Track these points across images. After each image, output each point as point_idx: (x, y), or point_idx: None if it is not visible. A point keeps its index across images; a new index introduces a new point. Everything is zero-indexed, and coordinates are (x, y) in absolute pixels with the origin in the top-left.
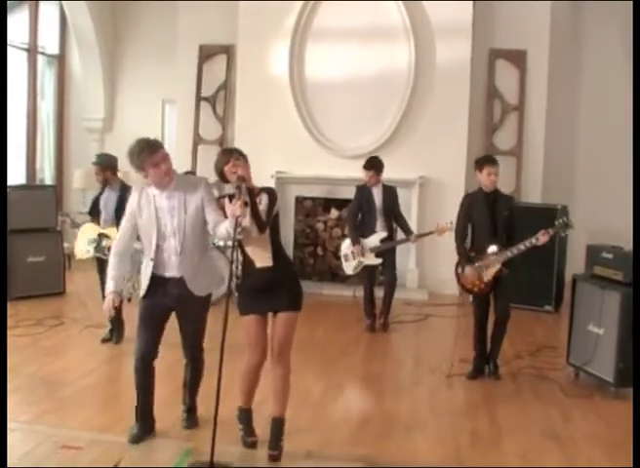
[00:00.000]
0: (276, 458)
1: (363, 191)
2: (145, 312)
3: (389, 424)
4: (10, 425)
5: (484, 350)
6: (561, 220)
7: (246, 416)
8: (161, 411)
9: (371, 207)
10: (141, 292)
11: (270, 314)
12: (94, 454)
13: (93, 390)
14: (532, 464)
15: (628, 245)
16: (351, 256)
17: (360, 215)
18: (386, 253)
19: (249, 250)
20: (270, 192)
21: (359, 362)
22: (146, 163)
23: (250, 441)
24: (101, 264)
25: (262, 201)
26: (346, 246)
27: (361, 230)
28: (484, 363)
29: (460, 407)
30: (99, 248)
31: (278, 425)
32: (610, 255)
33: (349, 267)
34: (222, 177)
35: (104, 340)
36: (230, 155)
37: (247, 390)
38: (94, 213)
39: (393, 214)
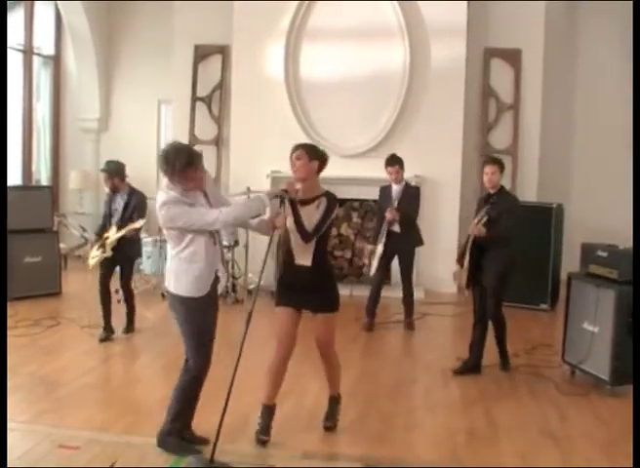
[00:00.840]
0: (330, 429)
1: (384, 191)
2: (210, 315)
3: (386, 423)
4: (8, 425)
5: (475, 346)
6: (485, 208)
7: (267, 413)
8: (158, 412)
9: (388, 205)
10: (201, 290)
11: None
12: (91, 454)
13: (91, 389)
14: (528, 462)
15: (623, 243)
16: (374, 258)
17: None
18: (402, 252)
19: (293, 243)
20: (330, 199)
21: (356, 361)
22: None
23: (262, 439)
24: (105, 264)
25: (320, 207)
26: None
27: (378, 227)
28: (475, 359)
29: (456, 405)
30: (103, 249)
31: (332, 401)
32: (605, 254)
33: (373, 267)
34: None
35: (102, 340)
36: (293, 152)
37: (271, 383)
38: (108, 217)
39: (410, 212)
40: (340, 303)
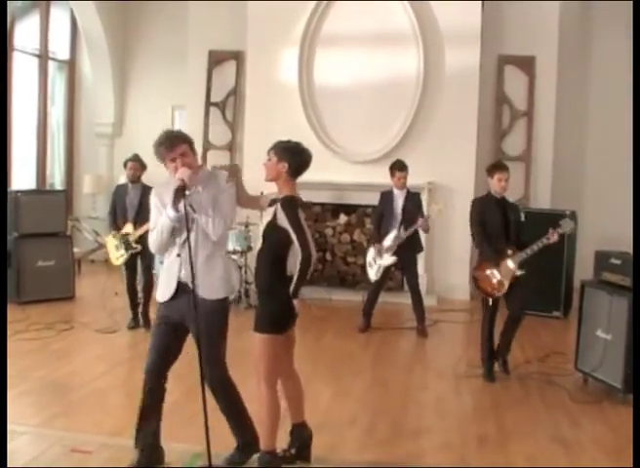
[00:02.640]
0: None
1: (386, 196)
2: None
3: (397, 429)
4: (20, 428)
5: (492, 350)
6: (566, 218)
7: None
8: (169, 415)
9: (391, 210)
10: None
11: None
12: (103, 458)
13: (103, 394)
14: None
15: None
16: (373, 262)
17: (383, 219)
18: (405, 260)
19: None
20: (285, 200)
21: (367, 367)
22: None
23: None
24: (132, 261)
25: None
26: (370, 254)
27: (382, 232)
28: (493, 363)
29: (467, 411)
30: (128, 246)
31: (260, 458)
32: (618, 261)
33: (372, 273)
34: None
35: (131, 328)
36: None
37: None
38: (122, 212)
39: (413, 218)
40: (271, 327)
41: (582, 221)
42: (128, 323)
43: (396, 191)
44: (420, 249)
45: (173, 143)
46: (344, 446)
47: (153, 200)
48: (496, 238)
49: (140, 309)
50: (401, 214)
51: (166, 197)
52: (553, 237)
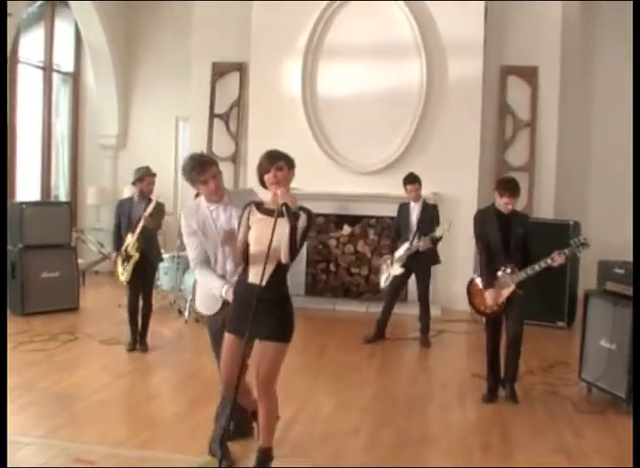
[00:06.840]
0: None
1: (402, 208)
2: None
3: (400, 439)
4: (24, 439)
5: (496, 371)
6: (577, 239)
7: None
8: (174, 426)
9: (407, 222)
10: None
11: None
12: None
13: (107, 405)
14: None
15: None
16: (384, 269)
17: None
18: (419, 270)
19: (250, 259)
20: (309, 215)
21: (371, 377)
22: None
23: None
24: (135, 280)
25: (300, 224)
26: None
27: (397, 243)
28: (497, 384)
29: (471, 422)
30: (128, 256)
31: (260, 457)
32: (622, 271)
33: (382, 280)
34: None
35: (130, 350)
36: (275, 162)
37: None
38: (128, 227)
39: (429, 230)
40: (291, 335)
41: (586, 231)
42: (127, 345)
43: (412, 203)
44: (436, 260)
45: (204, 166)
46: (347, 455)
47: (184, 224)
48: (495, 253)
49: (138, 331)
50: (416, 225)
51: (192, 222)
52: (559, 259)
